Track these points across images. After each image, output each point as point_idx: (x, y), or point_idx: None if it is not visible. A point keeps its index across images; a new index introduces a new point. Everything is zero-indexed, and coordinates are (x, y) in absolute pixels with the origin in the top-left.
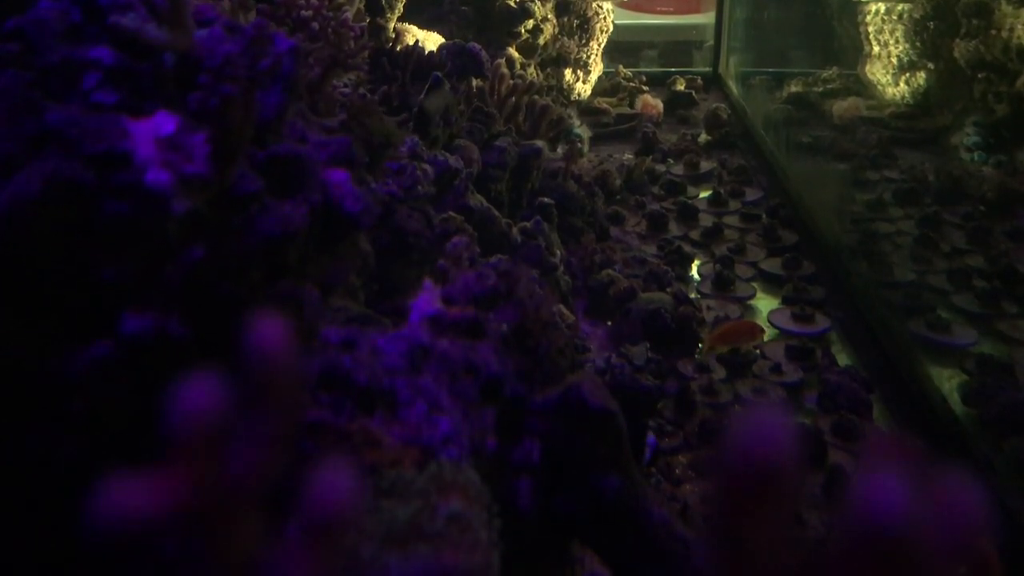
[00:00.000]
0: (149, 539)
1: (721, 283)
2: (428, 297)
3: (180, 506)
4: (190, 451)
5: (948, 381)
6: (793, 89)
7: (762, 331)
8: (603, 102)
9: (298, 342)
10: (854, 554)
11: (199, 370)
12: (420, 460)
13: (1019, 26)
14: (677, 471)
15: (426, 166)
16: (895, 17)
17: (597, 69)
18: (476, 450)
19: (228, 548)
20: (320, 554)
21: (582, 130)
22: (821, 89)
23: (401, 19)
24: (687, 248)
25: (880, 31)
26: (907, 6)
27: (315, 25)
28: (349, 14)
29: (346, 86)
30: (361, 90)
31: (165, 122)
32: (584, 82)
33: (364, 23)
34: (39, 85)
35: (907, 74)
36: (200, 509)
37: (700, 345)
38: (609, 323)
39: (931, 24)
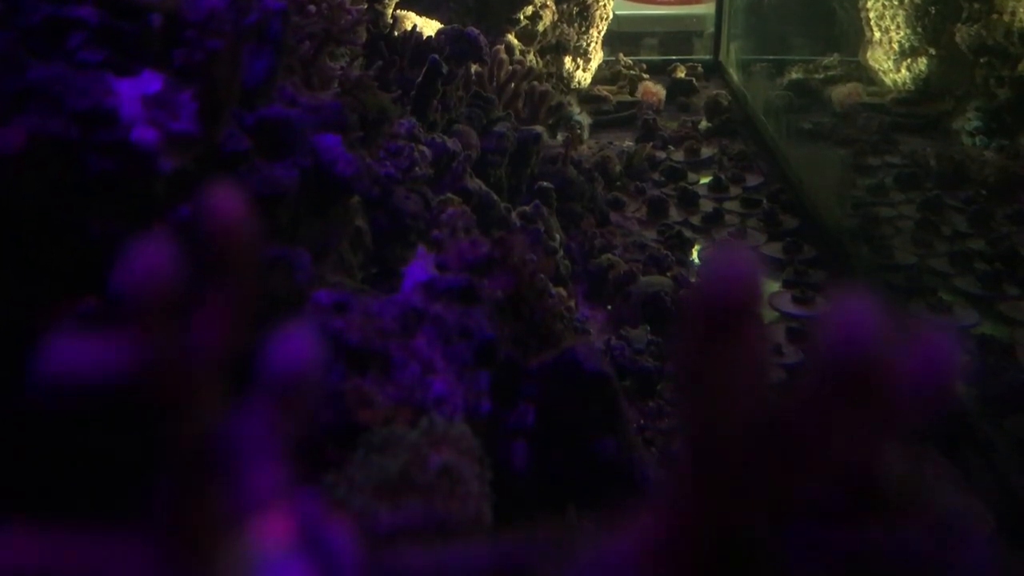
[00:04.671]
0: (97, 397)
1: None
2: (422, 264)
3: (133, 368)
4: (143, 314)
5: None
6: (794, 76)
7: None
8: (603, 90)
9: (289, 304)
10: (825, 385)
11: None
12: (413, 420)
13: (1020, 10)
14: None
15: (424, 148)
16: (896, 2)
17: (597, 57)
18: (470, 412)
19: (186, 416)
20: (281, 418)
21: (582, 117)
22: (822, 76)
23: (399, 6)
24: (688, 233)
25: (881, 17)
26: None
27: (312, 8)
28: None
29: (342, 69)
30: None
31: (151, 80)
32: (584, 70)
33: (362, 6)
34: (23, 44)
35: (908, 60)
36: (155, 375)
37: None
38: (609, 307)
39: (932, 9)
